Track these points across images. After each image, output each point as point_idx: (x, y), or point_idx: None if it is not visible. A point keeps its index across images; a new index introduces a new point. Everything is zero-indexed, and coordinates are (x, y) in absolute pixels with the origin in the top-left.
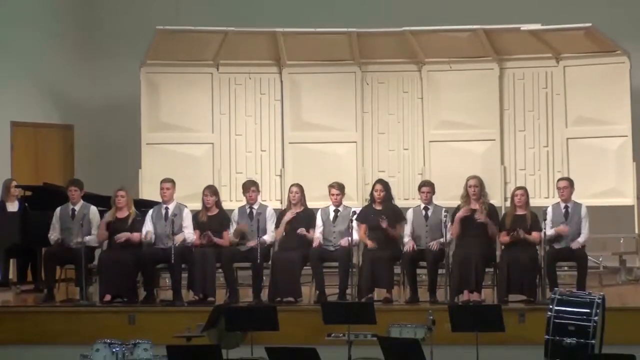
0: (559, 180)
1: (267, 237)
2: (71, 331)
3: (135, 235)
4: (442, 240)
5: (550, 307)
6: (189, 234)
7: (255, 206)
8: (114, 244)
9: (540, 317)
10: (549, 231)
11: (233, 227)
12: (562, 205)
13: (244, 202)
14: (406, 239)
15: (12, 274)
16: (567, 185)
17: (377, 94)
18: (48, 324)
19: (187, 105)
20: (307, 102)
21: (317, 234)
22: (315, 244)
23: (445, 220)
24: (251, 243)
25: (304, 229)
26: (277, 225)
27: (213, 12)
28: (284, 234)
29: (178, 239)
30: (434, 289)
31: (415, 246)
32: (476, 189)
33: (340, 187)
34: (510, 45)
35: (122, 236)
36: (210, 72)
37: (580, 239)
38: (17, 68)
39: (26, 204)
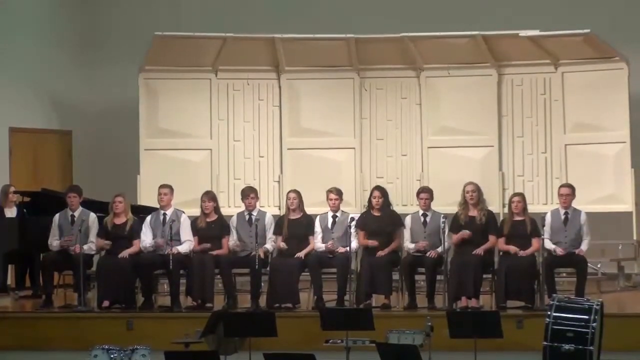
0: (560, 186)
1: (269, 246)
2: (69, 337)
3: (135, 245)
4: (439, 250)
5: (549, 313)
6: (184, 246)
7: (254, 213)
8: (113, 251)
9: (538, 323)
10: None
11: (233, 234)
12: (562, 211)
13: (242, 208)
14: (407, 244)
15: (10, 280)
16: (570, 193)
17: (376, 100)
18: (46, 329)
19: (186, 111)
20: (306, 108)
21: (317, 241)
22: (311, 247)
23: (443, 227)
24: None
25: (301, 256)
26: (276, 232)
27: (211, 18)
28: (283, 243)
29: (173, 250)
30: (432, 295)
31: (426, 245)
32: (474, 194)
33: (339, 192)
34: (509, 52)
35: (125, 253)
36: (209, 78)
37: (583, 247)
38: (16, 74)
39: (24, 210)
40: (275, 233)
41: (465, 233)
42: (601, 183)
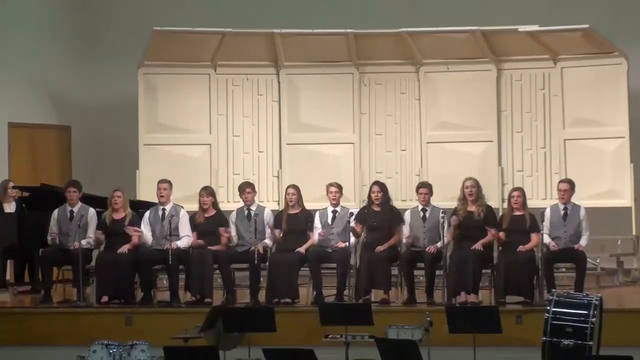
0: (560, 182)
1: (268, 241)
2: (68, 332)
3: (134, 240)
4: (439, 245)
5: (548, 308)
6: (183, 242)
7: (253, 207)
8: (111, 246)
9: (537, 318)
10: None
11: (233, 229)
12: (561, 206)
13: (241, 204)
14: (406, 240)
15: (9, 275)
16: (568, 188)
17: (375, 95)
18: (45, 325)
19: (185, 107)
20: (305, 103)
21: (316, 235)
22: (311, 242)
23: (443, 222)
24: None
25: (302, 251)
26: (275, 226)
27: (210, 13)
28: (281, 235)
29: (172, 245)
30: (431, 290)
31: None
32: (473, 189)
33: (339, 186)
34: (508, 47)
35: (124, 249)
36: (208, 73)
37: (582, 242)
38: (15, 69)
39: (23, 205)
40: (275, 227)
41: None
42: (600, 178)
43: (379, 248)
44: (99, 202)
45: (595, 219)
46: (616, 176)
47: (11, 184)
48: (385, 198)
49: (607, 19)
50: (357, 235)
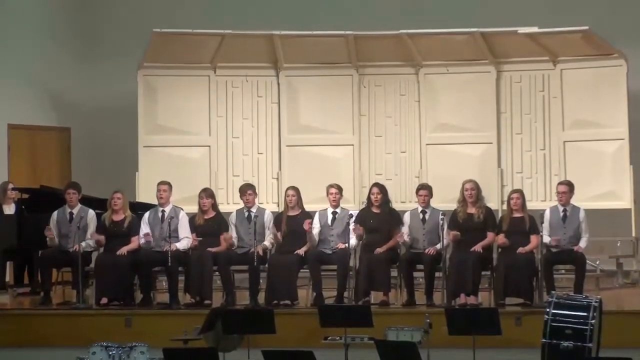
0: (558, 184)
1: (267, 243)
2: (68, 334)
3: (134, 242)
4: (438, 246)
5: (547, 310)
6: (182, 243)
7: (253, 209)
8: (111, 247)
9: (537, 320)
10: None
11: (232, 231)
12: (561, 208)
13: (240, 205)
14: (406, 237)
15: (8, 277)
16: (567, 191)
17: (374, 97)
18: (45, 326)
19: (184, 108)
20: (304, 105)
21: (306, 226)
22: (309, 244)
23: (442, 224)
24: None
25: (301, 253)
26: (276, 228)
27: (210, 14)
28: (280, 239)
29: (172, 247)
30: (430, 292)
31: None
32: (473, 192)
33: (339, 188)
34: (508, 49)
35: (123, 250)
36: (208, 74)
37: (582, 244)
38: (14, 70)
39: (23, 207)
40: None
41: (455, 235)
42: (600, 180)
43: (378, 250)
44: (99, 204)
45: (595, 221)
46: (616, 178)
47: (11, 186)
48: (385, 200)
49: (607, 21)
50: (360, 237)
